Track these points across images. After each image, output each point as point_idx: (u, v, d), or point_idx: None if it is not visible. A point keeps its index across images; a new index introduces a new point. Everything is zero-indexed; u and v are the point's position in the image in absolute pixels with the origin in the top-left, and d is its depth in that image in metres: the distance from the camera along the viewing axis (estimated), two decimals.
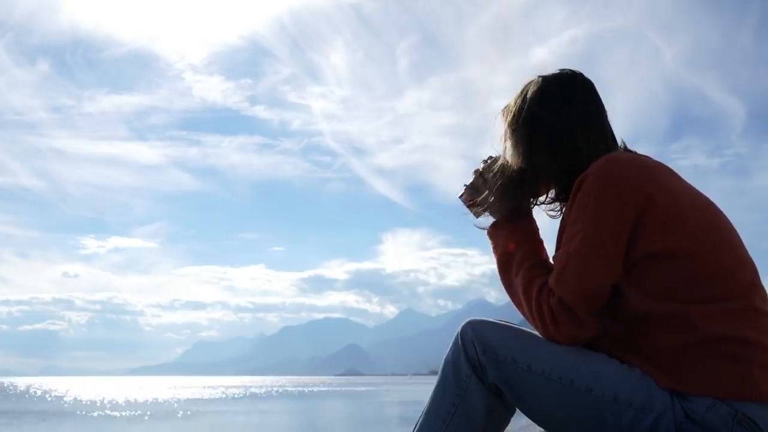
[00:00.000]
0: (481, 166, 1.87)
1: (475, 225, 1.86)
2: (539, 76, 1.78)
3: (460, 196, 1.90)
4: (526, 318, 1.69)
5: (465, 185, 1.89)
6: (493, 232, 1.81)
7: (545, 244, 1.77)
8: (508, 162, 1.79)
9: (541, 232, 1.79)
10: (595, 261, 1.58)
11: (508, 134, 1.78)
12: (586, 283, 1.58)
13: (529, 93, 1.76)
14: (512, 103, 1.79)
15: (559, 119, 1.71)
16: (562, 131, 1.71)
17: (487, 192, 1.81)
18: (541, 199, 1.81)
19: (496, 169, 1.81)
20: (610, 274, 1.59)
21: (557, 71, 1.78)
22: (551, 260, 1.69)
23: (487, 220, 1.84)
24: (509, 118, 1.78)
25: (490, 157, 1.85)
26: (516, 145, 1.76)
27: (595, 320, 1.61)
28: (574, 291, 1.58)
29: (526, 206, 1.81)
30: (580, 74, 1.77)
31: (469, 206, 1.88)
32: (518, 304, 1.71)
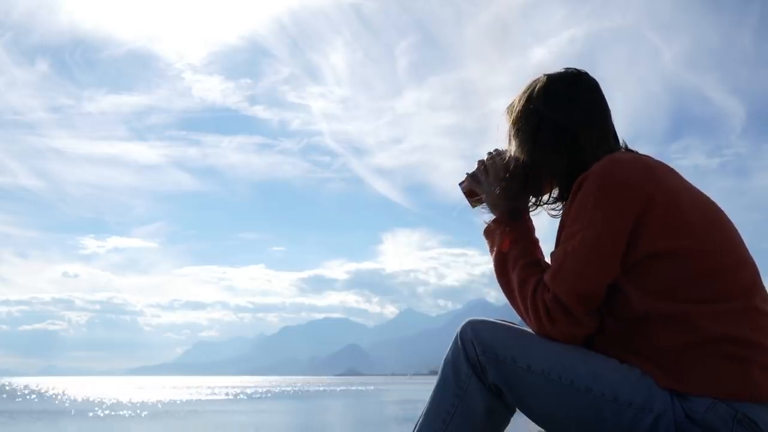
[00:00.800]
0: (485, 157, 1.86)
1: (483, 220, 1.85)
2: (544, 75, 1.78)
3: (460, 184, 1.90)
4: (521, 315, 1.69)
5: (467, 173, 1.89)
6: (489, 230, 1.81)
7: (543, 244, 1.77)
8: (511, 158, 1.79)
9: (539, 232, 1.79)
10: (593, 261, 1.57)
11: (513, 132, 1.78)
12: (582, 283, 1.58)
13: (534, 91, 1.76)
14: (517, 101, 1.79)
15: (564, 117, 1.71)
16: (566, 130, 1.70)
17: (487, 184, 1.81)
18: (544, 198, 1.81)
19: (499, 163, 1.81)
20: (608, 274, 1.58)
21: (562, 70, 1.78)
22: (547, 260, 1.69)
23: (489, 215, 1.84)
24: (514, 116, 1.78)
25: (496, 150, 1.85)
26: (520, 142, 1.76)
27: (591, 319, 1.61)
28: (570, 290, 1.58)
29: (524, 205, 1.82)
30: (585, 73, 1.77)
31: (466, 195, 1.88)
32: (513, 302, 1.70)
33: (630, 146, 1.75)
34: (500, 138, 1.84)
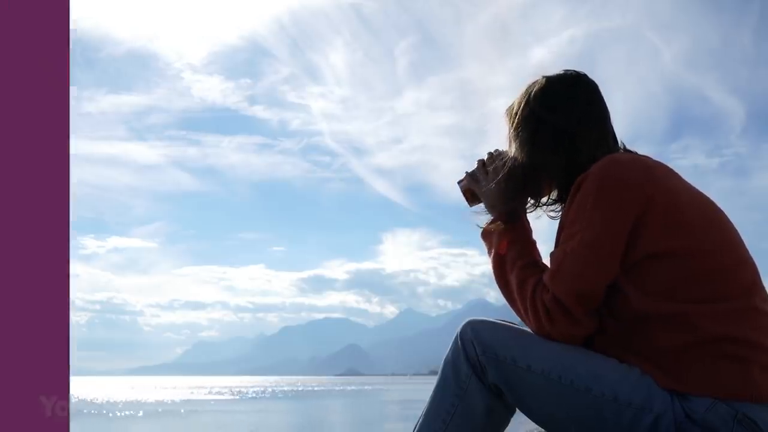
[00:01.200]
0: (485, 157, 1.86)
1: (477, 224, 1.85)
2: (543, 77, 1.78)
3: (459, 182, 1.90)
4: (520, 316, 1.69)
5: (466, 172, 1.89)
6: (487, 232, 1.81)
7: (542, 246, 1.77)
8: (510, 159, 1.79)
9: (537, 233, 1.79)
10: (592, 262, 1.57)
11: (512, 133, 1.78)
12: (581, 284, 1.57)
13: (533, 93, 1.75)
14: (516, 103, 1.79)
15: (562, 119, 1.71)
16: (564, 131, 1.70)
17: (486, 184, 1.81)
18: (543, 200, 1.81)
19: (498, 164, 1.81)
20: (607, 275, 1.58)
21: (561, 72, 1.78)
22: (546, 261, 1.69)
23: (486, 216, 1.84)
24: (512, 118, 1.78)
25: (496, 150, 1.85)
26: (519, 144, 1.76)
27: (591, 319, 1.61)
28: (569, 291, 1.57)
29: (521, 206, 1.81)
30: (584, 75, 1.77)
31: (464, 193, 1.88)
32: (512, 303, 1.70)
33: (629, 146, 1.75)
34: (500, 138, 1.84)
